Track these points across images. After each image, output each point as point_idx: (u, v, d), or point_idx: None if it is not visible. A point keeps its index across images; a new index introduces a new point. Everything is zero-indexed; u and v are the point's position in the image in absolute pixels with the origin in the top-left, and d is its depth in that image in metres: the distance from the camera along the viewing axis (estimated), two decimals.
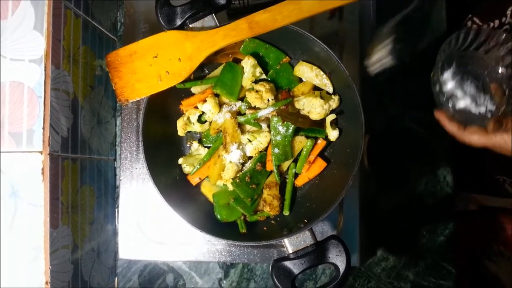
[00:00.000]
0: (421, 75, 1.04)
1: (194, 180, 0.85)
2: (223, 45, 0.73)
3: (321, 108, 0.78)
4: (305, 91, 0.82)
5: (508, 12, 0.95)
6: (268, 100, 0.78)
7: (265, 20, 0.71)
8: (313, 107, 0.79)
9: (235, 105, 0.82)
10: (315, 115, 0.79)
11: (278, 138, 0.79)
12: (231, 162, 0.80)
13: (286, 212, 0.81)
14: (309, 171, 0.83)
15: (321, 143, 0.83)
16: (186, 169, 0.85)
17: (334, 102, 0.80)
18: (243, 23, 0.72)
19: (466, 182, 1.14)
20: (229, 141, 0.79)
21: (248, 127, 0.83)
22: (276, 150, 0.79)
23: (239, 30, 0.72)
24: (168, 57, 0.74)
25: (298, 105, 0.80)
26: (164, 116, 0.84)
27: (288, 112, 0.78)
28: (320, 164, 0.83)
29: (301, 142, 0.81)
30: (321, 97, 0.79)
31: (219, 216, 0.81)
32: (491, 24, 1.02)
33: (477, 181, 1.16)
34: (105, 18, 0.99)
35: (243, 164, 0.83)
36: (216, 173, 0.81)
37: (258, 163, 0.81)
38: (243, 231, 0.80)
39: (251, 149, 0.81)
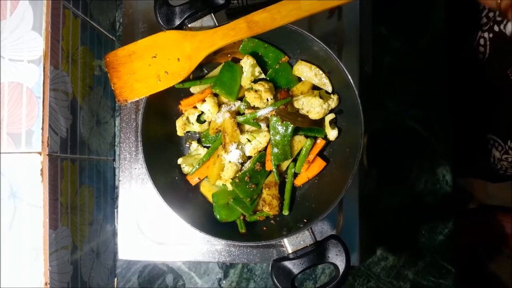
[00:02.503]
0: (420, 75, 1.05)
1: (193, 180, 0.85)
2: (222, 44, 0.73)
3: (320, 107, 0.78)
4: (304, 91, 0.82)
5: None
6: (267, 99, 0.78)
7: (264, 19, 0.71)
8: (312, 107, 0.79)
9: (234, 105, 0.82)
10: (314, 115, 0.79)
11: (277, 137, 0.79)
12: (230, 162, 0.80)
13: (285, 212, 0.81)
14: (309, 170, 0.83)
15: (320, 142, 0.83)
16: (185, 169, 0.85)
17: (333, 102, 0.80)
18: (242, 22, 0.72)
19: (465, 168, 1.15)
20: (228, 141, 0.79)
21: (247, 126, 0.82)
22: (276, 150, 0.79)
23: (238, 30, 0.72)
24: (167, 57, 0.74)
25: (297, 104, 0.80)
26: (163, 116, 0.84)
27: (287, 111, 0.78)
28: (320, 164, 0.83)
29: (300, 141, 0.81)
30: (320, 97, 0.79)
31: (218, 216, 0.81)
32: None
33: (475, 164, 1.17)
34: (104, 18, 0.99)
35: (242, 164, 0.83)
36: (215, 173, 0.81)
37: (258, 163, 0.81)
38: (243, 231, 0.80)
39: (250, 149, 0.81)
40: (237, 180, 0.80)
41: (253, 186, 0.80)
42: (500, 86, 1.10)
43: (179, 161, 0.84)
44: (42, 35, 0.75)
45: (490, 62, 1.09)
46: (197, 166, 0.83)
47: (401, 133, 1.03)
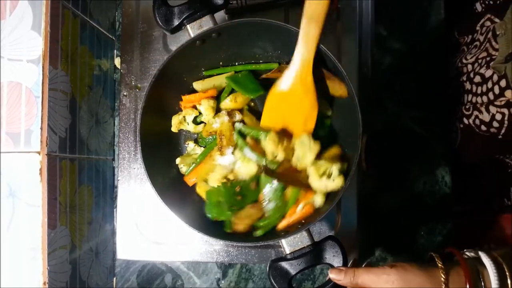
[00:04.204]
0: (420, 75, 1.05)
1: (190, 181, 0.85)
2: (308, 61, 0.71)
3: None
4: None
5: (478, 29, 0.97)
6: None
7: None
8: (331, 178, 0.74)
9: (236, 116, 0.81)
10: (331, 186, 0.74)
11: (270, 203, 0.76)
12: (220, 164, 0.79)
13: (255, 234, 0.77)
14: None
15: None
16: (183, 169, 0.85)
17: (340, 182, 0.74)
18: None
19: (466, 192, 1.14)
20: (226, 144, 0.78)
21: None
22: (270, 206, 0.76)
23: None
24: (293, 113, 0.75)
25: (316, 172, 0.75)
26: (162, 114, 0.83)
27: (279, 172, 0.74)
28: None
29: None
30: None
31: (209, 214, 0.79)
32: (465, 39, 1.03)
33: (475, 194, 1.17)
34: (103, 18, 0.99)
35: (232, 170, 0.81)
36: (203, 172, 0.80)
37: (253, 182, 0.78)
38: (228, 231, 0.78)
39: (243, 172, 0.78)
40: (229, 184, 0.78)
41: (239, 197, 0.77)
42: None
43: (177, 161, 0.84)
44: (41, 35, 0.75)
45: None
46: (193, 166, 0.83)
47: (400, 134, 1.03)
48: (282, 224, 0.78)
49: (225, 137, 0.79)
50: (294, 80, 0.73)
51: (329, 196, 0.77)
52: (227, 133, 0.79)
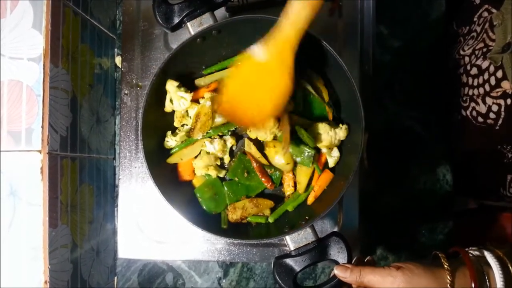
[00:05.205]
0: (420, 75, 1.05)
1: (184, 175, 0.84)
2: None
3: (326, 134, 0.77)
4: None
5: (475, 20, 0.97)
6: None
7: None
8: (321, 132, 0.78)
9: None
10: (323, 143, 0.79)
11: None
12: (208, 153, 0.81)
13: (270, 220, 0.82)
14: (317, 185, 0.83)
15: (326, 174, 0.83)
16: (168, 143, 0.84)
17: (341, 131, 0.79)
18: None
19: (465, 185, 1.14)
20: (199, 128, 0.78)
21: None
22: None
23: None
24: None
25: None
26: (164, 111, 0.84)
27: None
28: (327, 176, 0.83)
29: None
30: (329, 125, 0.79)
31: (206, 209, 0.81)
32: (462, 30, 1.04)
33: (476, 185, 1.17)
34: (104, 16, 0.99)
35: (221, 159, 0.84)
36: (189, 154, 0.82)
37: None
38: (224, 226, 0.80)
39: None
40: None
41: (245, 174, 0.81)
42: None
43: (168, 133, 0.83)
44: (42, 33, 0.75)
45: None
46: (176, 149, 0.82)
47: (401, 133, 1.03)
48: (310, 198, 0.82)
49: (200, 121, 0.78)
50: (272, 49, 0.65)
51: (329, 194, 0.77)
52: (203, 117, 0.78)
